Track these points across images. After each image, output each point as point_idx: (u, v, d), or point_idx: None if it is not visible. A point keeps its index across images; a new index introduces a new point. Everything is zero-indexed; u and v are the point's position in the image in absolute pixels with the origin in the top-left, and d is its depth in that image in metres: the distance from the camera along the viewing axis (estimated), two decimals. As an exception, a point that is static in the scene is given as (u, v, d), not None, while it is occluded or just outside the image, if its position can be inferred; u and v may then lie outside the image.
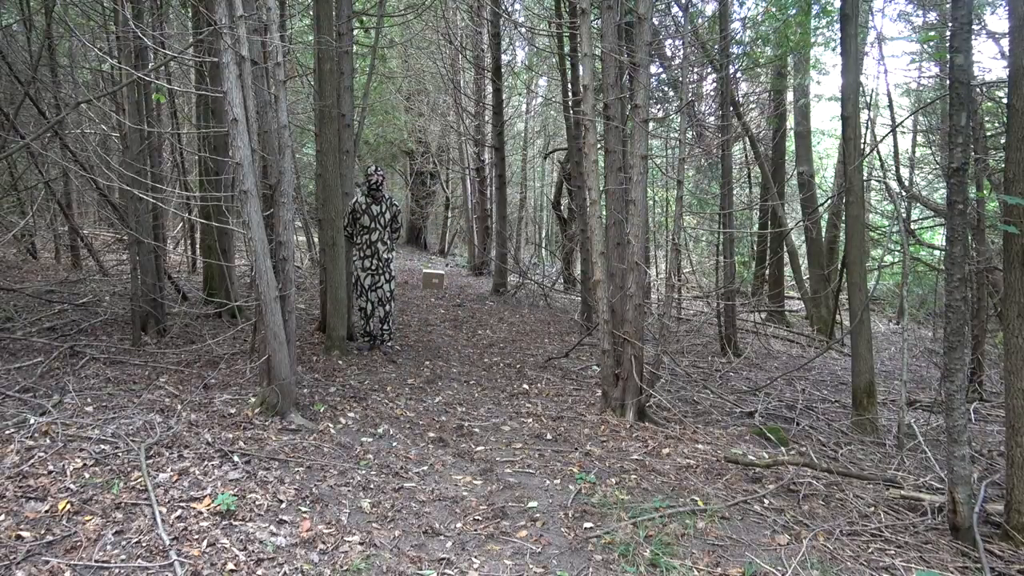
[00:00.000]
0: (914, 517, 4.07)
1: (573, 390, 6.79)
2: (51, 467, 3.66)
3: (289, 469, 4.05)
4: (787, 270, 14.14)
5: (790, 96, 13.30)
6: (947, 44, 4.43)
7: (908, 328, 8.22)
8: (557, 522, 3.69)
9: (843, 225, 9.77)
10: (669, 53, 10.77)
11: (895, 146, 8.34)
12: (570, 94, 10.26)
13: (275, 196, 5.15)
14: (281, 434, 4.59)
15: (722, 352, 9.68)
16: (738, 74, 11.21)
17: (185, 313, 7.86)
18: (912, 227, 9.42)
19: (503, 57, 12.79)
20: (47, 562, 2.85)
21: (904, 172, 10.72)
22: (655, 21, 9.11)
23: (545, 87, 18.40)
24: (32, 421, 4.24)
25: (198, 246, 10.27)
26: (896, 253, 10.58)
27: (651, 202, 12.89)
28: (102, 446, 4.00)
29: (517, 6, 13.68)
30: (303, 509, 3.57)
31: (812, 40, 10.63)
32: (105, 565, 2.87)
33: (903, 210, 9.39)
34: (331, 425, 4.94)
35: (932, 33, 10.50)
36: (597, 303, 5.88)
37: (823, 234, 12.65)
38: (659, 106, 10.99)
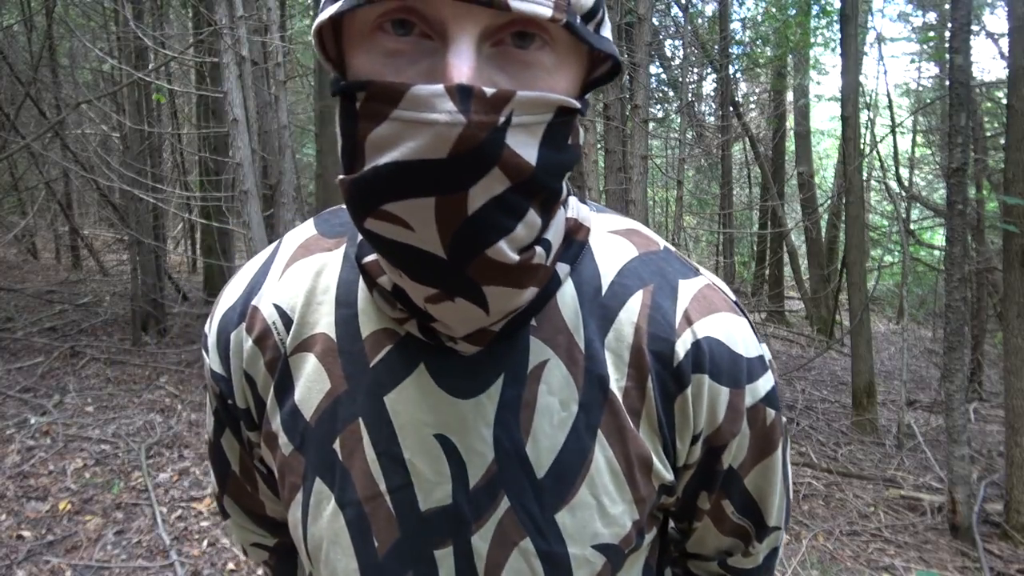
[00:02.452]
0: (914, 517, 4.08)
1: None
2: (52, 467, 3.67)
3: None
4: (787, 270, 14.14)
5: (790, 96, 13.30)
6: (946, 44, 4.44)
7: (908, 328, 8.23)
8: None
9: (843, 225, 9.77)
10: (669, 53, 10.78)
11: (895, 146, 8.35)
12: (570, 94, 10.27)
13: (275, 196, 5.15)
14: (281, 434, 4.59)
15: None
16: (738, 74, 11.21)
17: (185, 313, 7.86)
18: (912, 227, 9.42)
19: (503, 57, 12.80)
20: (48, 562, 2.85)
21: (904, 172, 10.73)
22: (655, 21, 9.12)
23: (545, 87, 18.42)
24: (33, 421, 4.25)
25: (198, 246, 10.27)
26: (896, 253, 10.59)
27: (651, 202, 12.89)
28: (102, 446, 4.01)
29: (517, 6, 13.71)
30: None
31: (812, 40, 10.62)
32: (106, 565, 2.87)
33: (903, 210, 9.39)
34: (331, 425, 4.95)
35: (932, 33, 10.51)
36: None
37: (823, 234, 12.64)
38: (659, 106, 11.00)
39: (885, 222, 12.81)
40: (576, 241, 0.58)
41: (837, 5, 8.07)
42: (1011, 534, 3.71)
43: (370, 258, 0.56)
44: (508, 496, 0.57)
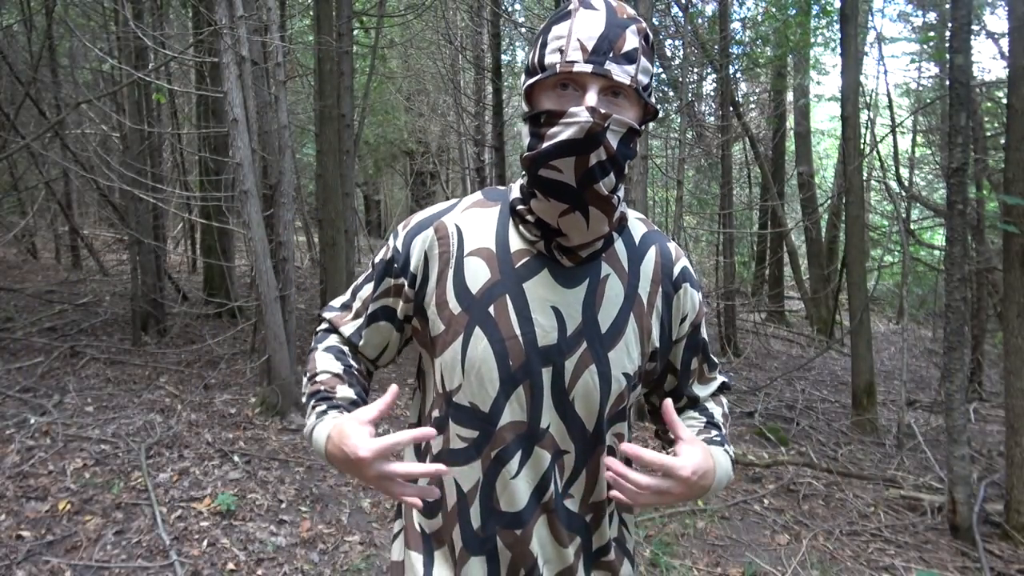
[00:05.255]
0: (914, 517, 4.08)
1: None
2: (51, 467, 3.67)
3: (289, 469, 4.05)
4: (787, 270, 14.13)
5: (790, 96, 13.29)
6: (947, 44, 4.44)
7: (908, 328, 8.23)
8: (557, 522, 3.69)
9: (843, 225, 9.77)
10: (669, 53, 10.77)
11: (895, 146, 8.34)
12: (570, 94, 10.25)
13: (275, 196, 5.15)
14: (281, 434, 4.59)
15: (722, 352, 9.68)
16: (738, 74, 11.20)
17: (185, 313, 7.86)
18: (912, 227, 9.42)
19: (503, 57, 12.79)
20: (47, 562, 2.85)
21: (904, 172, 10.71)
22: (655, 21, 9.11)
23: (545, 87, 18.38)
24: (32, 421, 4.25)
25: (198, 246, 10.27)
26: (896, 253, 10.59)
27: (651, 202, 12.88)
28: (102, 446, 4.01)
29: (517, 6, 13.68)
30: (303, 509, 3.57)
31: (812, 40, 10.61)
32: (105, 565, 2.87)
33: (903, 210, 9.39)
34: (331, 425, 4.94)
35: (932, 33, 10.50)
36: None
37: (823, 234, 12.64)
38: (659, 106, 10.97)
39: (885, 222, 12.80)
40: (621, 223, 1.08)
41: (837, 5, 8.06)
42: (1011, 534, 3.71)
43: (520, 207, 1.06)
44: (587, 340, 1.05)
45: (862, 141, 7.13)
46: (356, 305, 1.20)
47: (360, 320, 1.19)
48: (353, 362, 1.19)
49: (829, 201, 13.38)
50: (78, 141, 8.82)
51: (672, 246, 1.16)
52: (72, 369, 5.46)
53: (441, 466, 0.96)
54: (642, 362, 1.10)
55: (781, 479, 4.57)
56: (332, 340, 1.22)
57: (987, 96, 8.03)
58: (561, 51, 0.96)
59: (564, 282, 1.05)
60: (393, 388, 1.01)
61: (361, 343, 1.19)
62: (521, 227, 1.07)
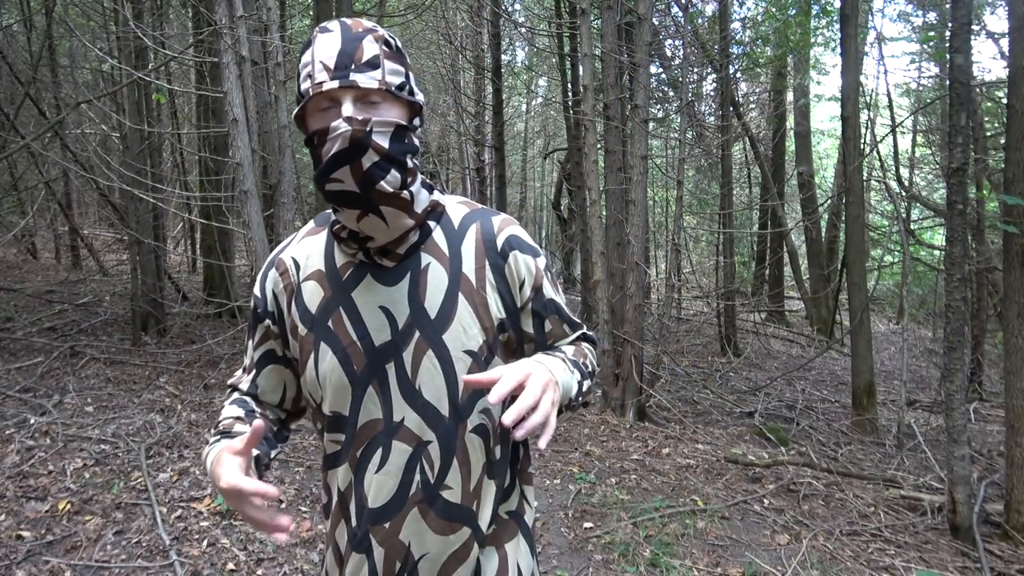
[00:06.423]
0: (914, 517, 4.07)
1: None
2: (51, 467, 3.67)
3: (289, 469, 4.05)
4: (787, 270, 14.13)
5: (790, 96, 13.30)
6: (947, 44, 4.44)
7: (908, 328, 8.23)
8: (557, 522, 3.69)
9: (843, 225, 9.77)
10: (669, 53, 10.76)
11: (895, 146, 8.34)
12: (570, 94, 10.28)
13: (275, 196, 5.15)
14: (281, 434, 4.59)
15: (722, 352, 9.68)
16: (738, 74, 11.20)
17: (185, 313, 7.86)
18: (912, 227, 9.42)
19: (503, 57, 12.80)
20: (47, 562, 2.85)
21: (904, 172, 10.71)
22: (655, 21, 9.10)
23: (545, 87, 18.40)
24: (32, 421, 4.25)
25: (198, 246, 10.27)
26: (896, 253, 10.59)
27: (651, 202, 12.88)
28: (102, 446, 4.00)
29: (517, 6, 13.69)
30: (303, 509, 3.57)
31: (812, 40, 10.62)
32: (105, 565, 2.87)
33: (903, 210, 9.39)
34: (331, 425, 4.95)
35: (932, 33, 10.50)
36: (597, 303, 5.88)
37: (823, 234, 12.64)
38: (659, 106, 10.99)
39: (885, 222, 12.80)
40: (436, 211, 1.17)
41: (837, 5, 8.06)
42: (1011, 534, 3.70)
43: (336, 226, 1.14)
44: (418, 330, 1.11)
45: (862, 141, 7.14)
46: (247, 362, 1.28)
47: (252, 372, 1.26)
48: (257, 407, 1.25)
49: (829, 201, 13.38)
50: (78, 141, 8.82)
51: (498, 219, 1.19)
52: (72, 369, 5.46)
53: (271, 490, 0.94)
54: (487, 337, 1.13)
55: (781, 479, 4.57)
56: (235, 396, 1.28)
57: (987, 96, 8.03)
58: (311, 76, 1.03)
59: (387, 281, 1.12)
60: (257, 424, 0.96)
61: (259, 391, 1.26)
62: (341, 243, 1.14)
